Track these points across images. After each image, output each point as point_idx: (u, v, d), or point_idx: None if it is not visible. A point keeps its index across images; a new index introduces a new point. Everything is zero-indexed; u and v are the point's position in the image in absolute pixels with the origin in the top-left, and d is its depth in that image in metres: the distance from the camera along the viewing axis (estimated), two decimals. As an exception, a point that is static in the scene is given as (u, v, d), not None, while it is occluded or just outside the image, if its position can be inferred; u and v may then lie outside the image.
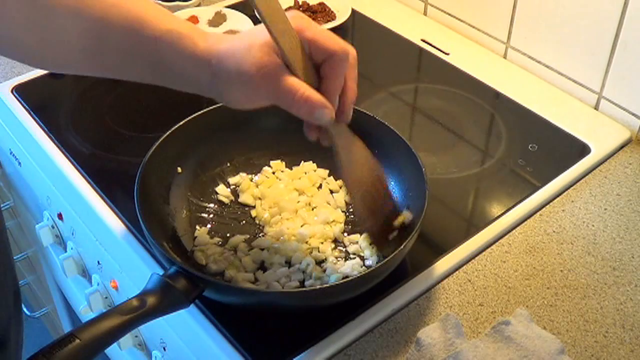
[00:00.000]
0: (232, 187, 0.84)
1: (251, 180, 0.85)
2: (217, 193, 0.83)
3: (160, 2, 1.19)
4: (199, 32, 0.65)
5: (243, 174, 0.85)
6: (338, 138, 0.67)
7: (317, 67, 0.64)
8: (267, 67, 0.61)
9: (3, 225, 0.70)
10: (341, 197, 0.83)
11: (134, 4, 0.64)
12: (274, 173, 0.86)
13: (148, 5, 0.65)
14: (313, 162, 0.86)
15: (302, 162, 0.86)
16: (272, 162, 0.86)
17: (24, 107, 0.99)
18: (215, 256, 0.75)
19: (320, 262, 0.76)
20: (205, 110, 0.84)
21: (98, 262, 0.90)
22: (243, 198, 0.83)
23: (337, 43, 0.63)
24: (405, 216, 0.74)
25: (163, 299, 0.63)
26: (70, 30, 0.64)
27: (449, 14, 1.18)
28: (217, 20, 1.18)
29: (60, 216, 0.96)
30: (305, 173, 0.85)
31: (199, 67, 0.64)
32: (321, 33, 0.63)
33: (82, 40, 0.64)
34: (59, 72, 0.87)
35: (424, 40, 1.15)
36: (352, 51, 0.64)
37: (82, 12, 0.63)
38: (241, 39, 0.63)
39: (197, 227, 0.79)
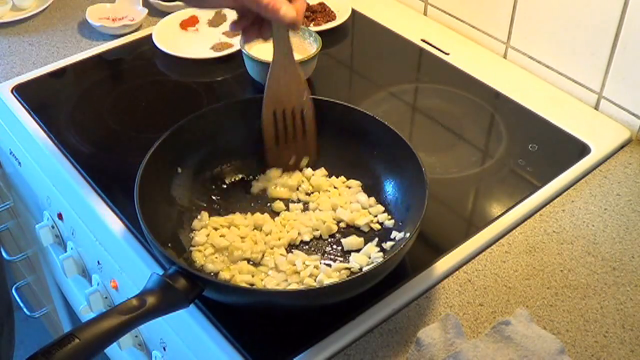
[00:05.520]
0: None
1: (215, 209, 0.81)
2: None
3: (160, 1, 1.19)
4: None
5: (205, 213, 0.80)
6: (279, 44, 0.71)
7: None
8: None
9: None
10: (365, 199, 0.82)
11: None
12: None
13: None
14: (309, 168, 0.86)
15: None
16: (267, 171, 0.84)
17: (24, 107, 0.99)
18: (212, 257, 0.75)
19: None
20: (205, 110, 0.84)
21: (98, 262, 0.90)
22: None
23: None
24: (306, 161, 0.79)
25: (163, 299, 0.63)
26: None
27: (449, 14, 1.18)
28: (217, 20, 1.18)
29: (60, 216, 0.96)
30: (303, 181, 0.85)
31: None
32: None
33: None
34: None
35: (424, 40, 1.15)
36: None
37: None
38: None
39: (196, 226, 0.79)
